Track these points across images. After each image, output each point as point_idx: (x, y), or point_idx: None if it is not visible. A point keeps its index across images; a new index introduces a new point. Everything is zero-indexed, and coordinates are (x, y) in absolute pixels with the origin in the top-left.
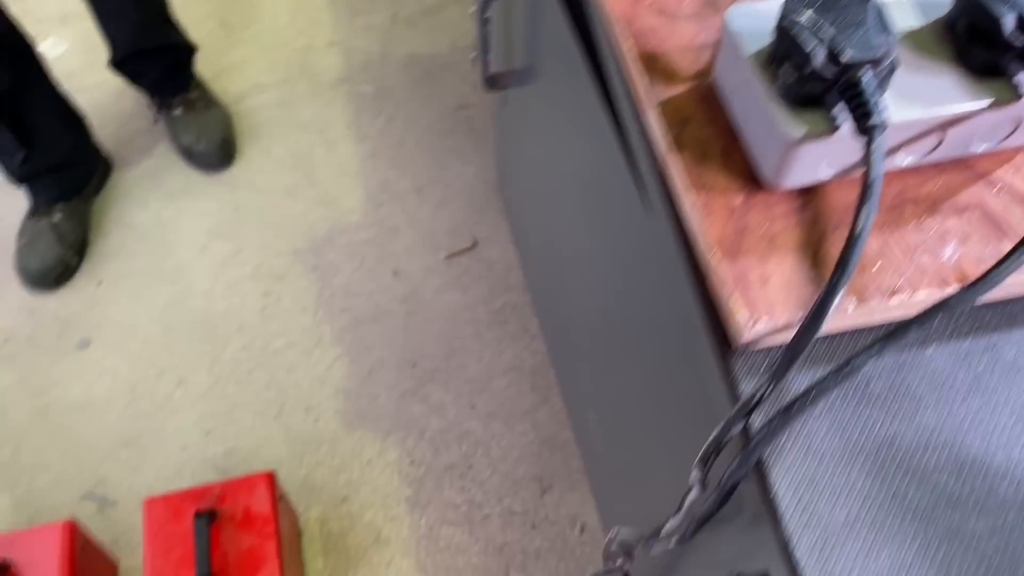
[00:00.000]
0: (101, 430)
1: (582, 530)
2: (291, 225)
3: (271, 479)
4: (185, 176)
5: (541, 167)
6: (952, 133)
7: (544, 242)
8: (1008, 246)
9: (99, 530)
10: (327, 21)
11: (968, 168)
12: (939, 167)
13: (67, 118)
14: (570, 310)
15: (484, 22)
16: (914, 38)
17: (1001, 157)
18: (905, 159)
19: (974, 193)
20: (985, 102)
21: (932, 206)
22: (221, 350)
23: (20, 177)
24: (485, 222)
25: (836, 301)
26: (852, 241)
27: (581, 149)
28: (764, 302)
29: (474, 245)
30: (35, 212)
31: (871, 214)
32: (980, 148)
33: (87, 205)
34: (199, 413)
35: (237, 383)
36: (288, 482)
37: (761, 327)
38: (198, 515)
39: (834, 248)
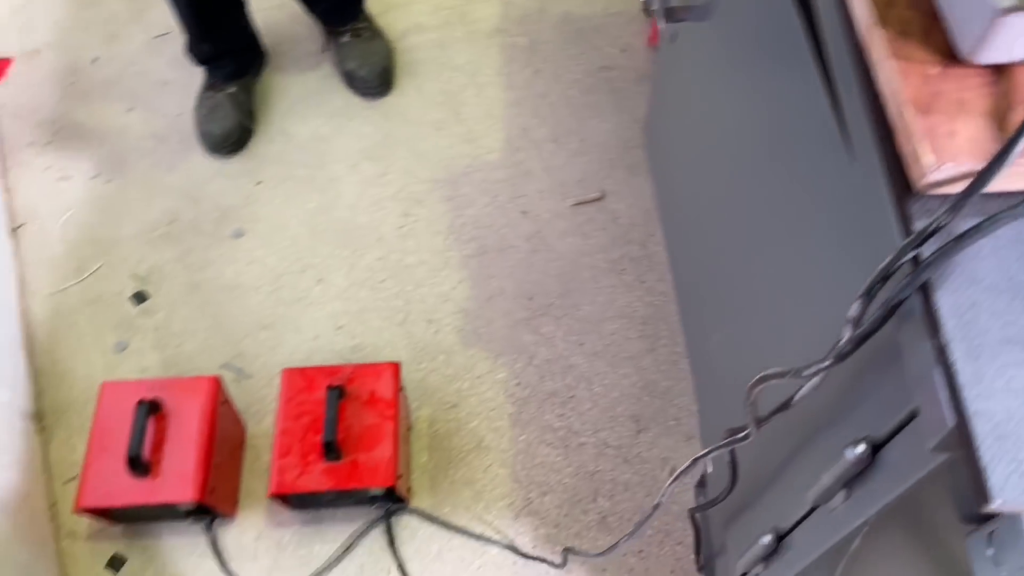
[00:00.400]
0: (245, 311)
1: (671, 472)
2: (434, 156)
3: (397, 369)
4: (345, 99)
5: (707, 97)
6: None
7: (696, 166)
8: None
9: (233, 397)
10: None
11: None
12: None
13: (244, 11)
14: (713, 231)
15: None
16: None
17: None
18: None
19: None
20: None
21: None
22: (359, 258)
23: (203, 59)
24: (614, 178)
25: (1017, 149)
26: None
27: (764, 69)
28: (950, 151)
29: (602, 196)
30: (211, 87)
31: None
32: None
33: (254, 84)
34: (333, 310)
35: (370, 288)
36: (405, 380)
37: (946, 171)
38: (330, 388)
39: (1020, 119)
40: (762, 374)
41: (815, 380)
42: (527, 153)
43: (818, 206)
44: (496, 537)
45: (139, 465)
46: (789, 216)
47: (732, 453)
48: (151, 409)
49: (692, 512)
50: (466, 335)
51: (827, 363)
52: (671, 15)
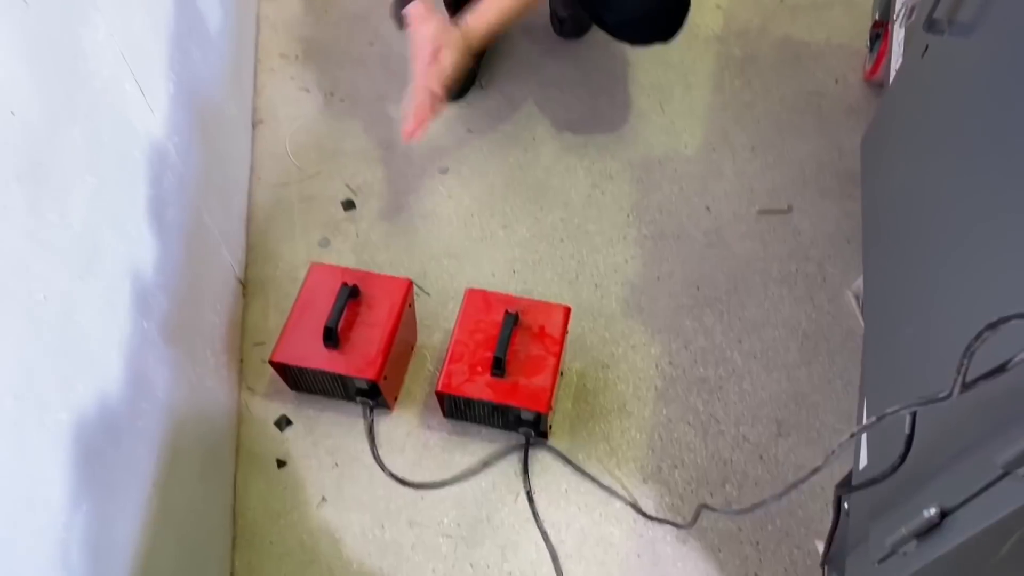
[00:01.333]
0: (435, 238)
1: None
2: (632, 140)
3: (568, 312)
4: (560, 72)
5: (952, 112)
6: None
7: (925, 177)
8: None
9: None
10: None
11: None
12: None
13: None
14: (933, 225)
15: None
16: None
17: None
18: None
19: None
20: None
21: None
22: (545, 215)
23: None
24: (804, 196)
25: None
26: None
27: None
28: None
29: (788, 210)
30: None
31: None
32: None
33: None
34: (512, 255)
35: (548, 244)
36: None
37: None
38: (507, 313)
39: None
40: (1002, 315)
41: None
42: (722, 155)
43: None
44: (622, 493)
45: (332, 337)
46: None
47: (913, 422)
48: (352, 293)
49: (838, 493)
50: (629, 306)
51: None
52: (932, 26)
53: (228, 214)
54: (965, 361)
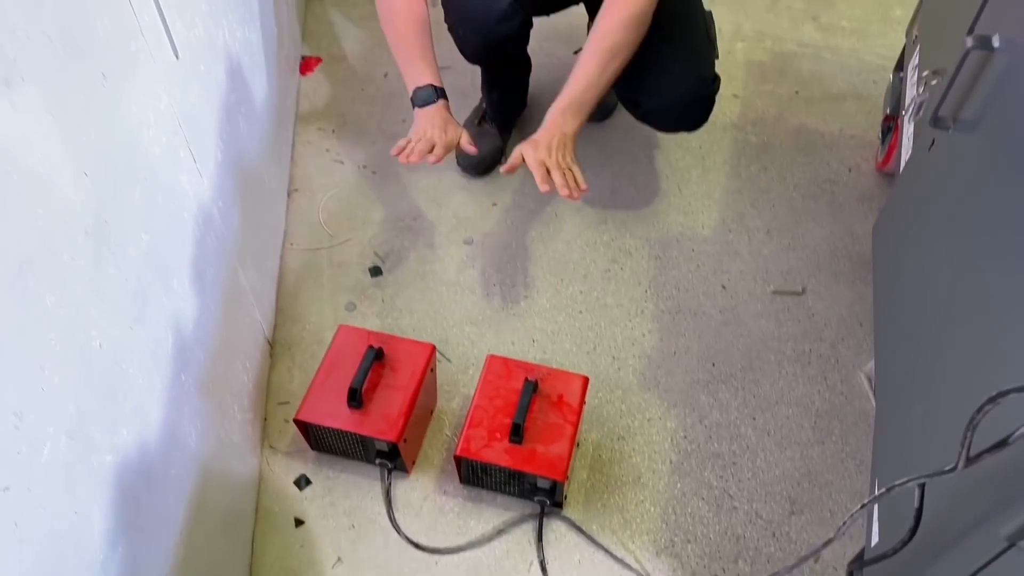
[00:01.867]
0: (458, 305)
1: (816, 559)
2: (651, 218)
3: (586, 382)
4: (583, 152)
5: (956, 206)
6: None
7: (936, 263)
8: None
9: None
10: (738, 78)
11: None
12: None
13: (527, 77)
14: (941, 309)
15: (958, 70)
16: None
17: None
18: None
19: None
20: None
21: None
22: (565, 286)
23: (491, 116)
24: (818, 279)
25: None
26: None
27: None
28: None
29: (803, 291)
30: (481, 120)
31: None
32: None
33: (514, 124)
34: (532, 325)
35: (568, 315)
36: None
37: None
38: (527, 380)
39: None
40: (998, 392)
41: None
42: (738, 236)
43: None
44: (635, 566)
45: (356, 398)
46: None
47: (921, 495)
48: (377, 355)
49: (850, 569)
50: (646, 379)
51: None
52: (938, 122)
53: (261, 276)
54: (969, 434)
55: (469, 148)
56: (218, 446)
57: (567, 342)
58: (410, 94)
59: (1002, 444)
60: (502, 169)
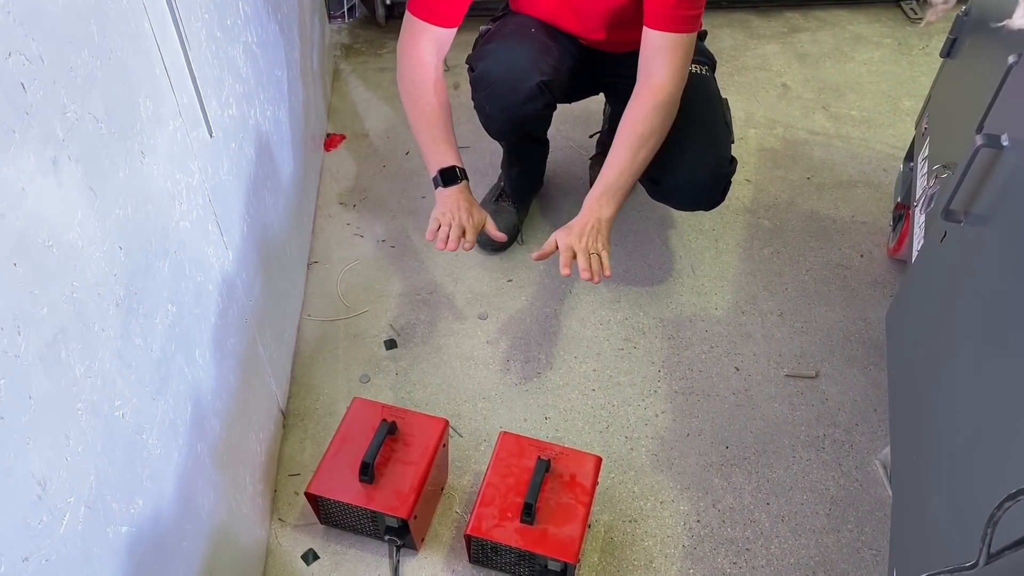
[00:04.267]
0: (472, 380)
1: None
2: (664, 298)
3: (599, 462)
4: None
5: (966, 299)
6: None
7: (947, 353)
8: None
9: None
10: (751, 163)
11: None
12: None
13: (545, 156)
14: (952, 406)
15: (968, 166)
16: None
17: None
18: None
19: None
20: None
21: None
22: (578, 364)
23: (510, 186)
24: (831, 363)
25: None
26: None
27: None
28: None
29: (816, 375)
30: (499, 198)
31: None
32: None
33: (531, 202)
34: (545, 401)
35: (580, 393)
36: None
37: None
38: (540, 459)
39: None
40: (1020, 488)
41: None
42: (751, 318)
43: None
44: None
45: (368, 472)
46: None
47: None
48: (390, 429)
49: None
50: (659, 461)
51: None
52: (950, 216)
53: (279, 346)
54: (989, 531)
55: (498, 235)
56: (229, 518)
57: (580, 420)
58: (432, 174)
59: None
60: (534, 256)
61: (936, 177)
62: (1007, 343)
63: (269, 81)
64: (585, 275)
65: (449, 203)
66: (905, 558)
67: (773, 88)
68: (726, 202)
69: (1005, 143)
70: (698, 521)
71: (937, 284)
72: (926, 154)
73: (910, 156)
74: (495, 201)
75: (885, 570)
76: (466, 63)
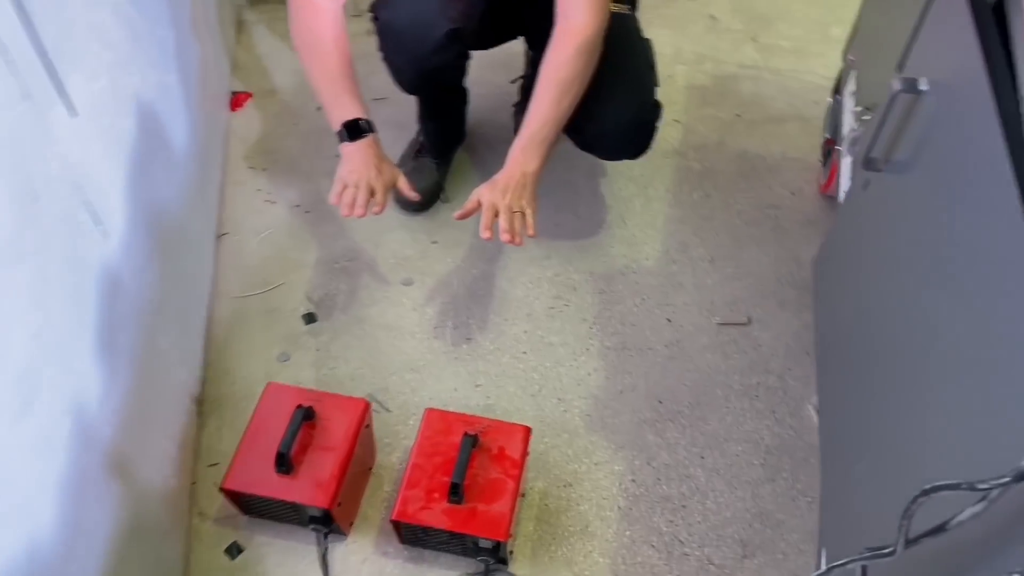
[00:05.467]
0: (398, 351)
1: None
2: (595, 251)
3: (528, 433)
4: None
5: (892, 246)
6: None
7: (866, 309)
8: None
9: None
10: (679, 102)
11: None
12: None
13: (464, 106)
14: (881, 365)
15: (887, 112)
16: None
17: None
18: None
19: None
20: None
21: None
22: (509, 326)
23: (429, 148)
24: (763, 308)
25: None
26: None
27: (965, 232)
28: None
29: (748, 322)
30: (418, 152)
31: None
32: None
33: (453, 155)
34: (475, 368)
35: (512, 356)
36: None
37: None
38: (466, 435)
39: None
40: (930, 485)
41: (980, 507)
42: (682, 267)
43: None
44: None
45: (285, 463)
46: (980, 363)
47: (864, 573)
48: (306, 415)
49: None
50: (592, 421)
51: (1006, 479)
52: (870, 164)
53: (186, 332)
54: (905, 523)
55: (411, 195)
56: (134, 525)
57: (512, 385)
58: (336, 129)
59: (940, 529)
60: (456, 215)
61: (859, 119)
62: (931, 293)
63: (150, 43)
64: (505, 237)
65: (356, 160)
66: (832, 534)
67: (701, 20)
68: (655, 145)
69: (923, 88)
70: (633, 480)
71: (861, 233)
72: (853, 88)
73: (838, 89)
74: (414, 157)
75: (819, 519)
76: (369, 11)
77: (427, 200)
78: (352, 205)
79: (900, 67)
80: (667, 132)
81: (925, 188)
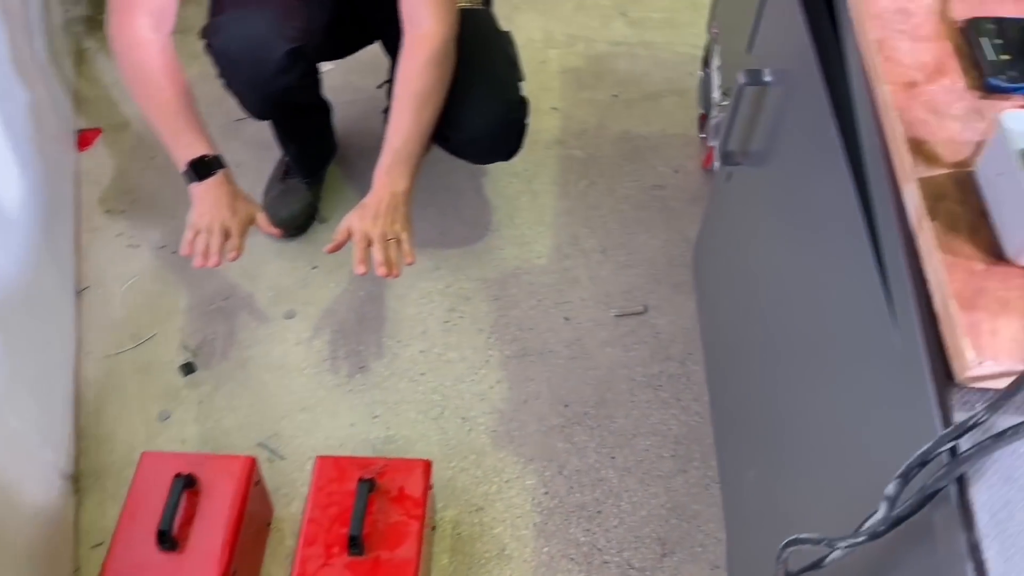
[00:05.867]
0: (287, 391)
1: None
2: (485, 256)
3: (428, 467)
4: None
5: (756, 237)
6: None
7: (737, 305)
8: None
9: (265, 477)
10: (555, 89)
11: None
12: None
13: (329, 121)
14: (752, 368)
15: (738, 102)
16: None
17: None
18: None
19: None
20: None
21: None
22: (403, 348)
23: (295, 170)
24: (659, 293)
25: None
26: None
27: (811, 224)
28: (991, 349)
29: (644, 311)
30: (285, 174)
31: None
32: None
33: (325, 173)
34: (372, 398)
35: (409, 380)
36: (434, 478)
37: (987, 368)
38: (361, 481)
39: None
40: (794, 537)
41: (844, 552)
42: (575, 261)
43: (860, 372)
44: None
45: (168, 540)
46: (829, 372)
47: None
48: (186, 483)
49: None
50: (499, 436)
51: (861, 539)
52: (727, 158)
53: (47, 405)
54: (780, 567)
55: (270, 231)
56: None
57: (412, 411)
58: (182, 169)
59: (816, 566)
60: (326, 249)
61: (718, 105)
62: (792, 299)
63: None
64: (381, 271)
65: (207, 201)
66: (734, 528)
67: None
68: (535, 136)
69: (768, 79)
70: (546, 493)
71: (730, 226)
72: (718, 63)
73: (707, 62)
74: (282, 179)
75: None
76: (200, 36)
77: (301, 223)
78: (206, 254)
79: (750, 47)
80: (546, 121)
81: (779, 180)
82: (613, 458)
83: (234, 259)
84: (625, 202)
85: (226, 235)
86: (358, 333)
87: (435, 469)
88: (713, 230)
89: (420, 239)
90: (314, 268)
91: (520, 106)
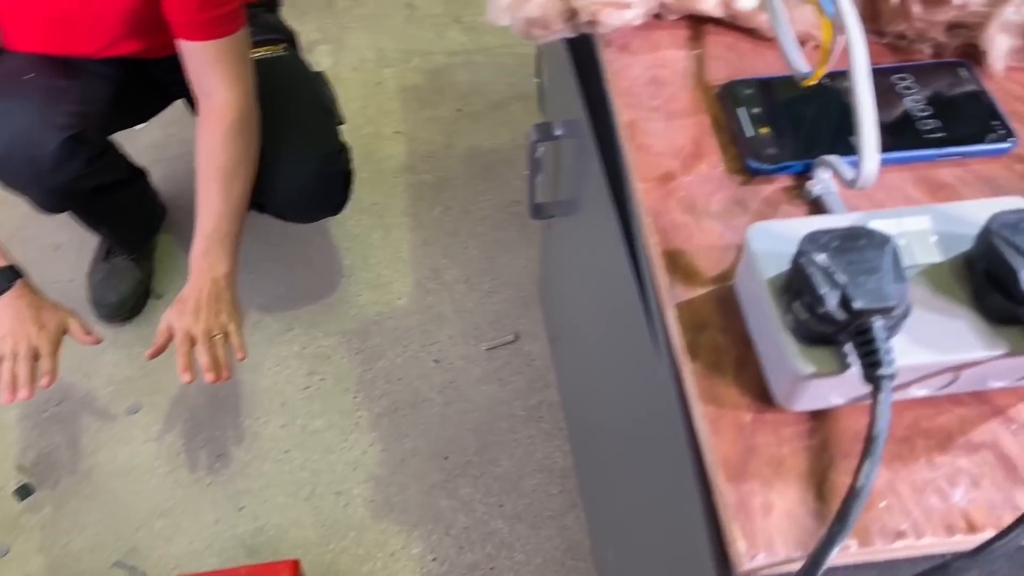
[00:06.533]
0: (140, 497)
1: None
2: (341, 306)
3: (294, 567)
4: (245, 254)
5: (576, 293)
6: (966, 373)
7: (576, 360)
8: (1021, 496)
9: None
10: (395, 111)
11: (985, 402)
12: (954, 399)
13: (143, 189)
14: (595, 429)
15: (534, 158)
16: (932, 274)
17: (1020, 393)
18: (919, 391)
19: (989, 430)
20: (1000, 351)
21: (944, 441)
22: (262, 426)
23: (118, 248)
24: (528, 316)
25: (833, 554)
26: (852, 497)
27: (611, 296)
28: (764, 535)
29: (515, 339)
30: (108, 252)
31: (873, 470)
32: (996, 385)
33: (153, 244)
34: (235, 488)
35: (273, 461)
36: (313, 567)
37: (759, 561)
38: None
39: (841, 478)
40: None
41: None
42: (438, 296)
43: (661, 497)
44: None
45: None
46: (646, 471)
47: None
48: None
49: None
50: (378, 506)
51: None
52: (537, 212)
53: None
54: None
55: (86, 340)
56: None
57: (280, 495)
58: None
59: None
60: (147, 355)
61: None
62: (606, 366)
63: None
64: (209, 376)
65: (6, 320)
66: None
67: (398, 11)
68: (379, 164)
69: (559, 132)
70: (434, 559)
71: (559, 270)
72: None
73: (540, 70)
74: (105, 259)
75: None
76: None
77: (133, 306)
78: (13, 386)
79: (539, 102)
80: (391, 148)
81: (584, 232)
82: (501, 506)
83: (47, 385)
84: (483, 223)
85: (35, 356)
86: (212, 417)
87: (314, 554)
88: (548, 274)
89: (266, 299)
90: None
91: (338, 156)
